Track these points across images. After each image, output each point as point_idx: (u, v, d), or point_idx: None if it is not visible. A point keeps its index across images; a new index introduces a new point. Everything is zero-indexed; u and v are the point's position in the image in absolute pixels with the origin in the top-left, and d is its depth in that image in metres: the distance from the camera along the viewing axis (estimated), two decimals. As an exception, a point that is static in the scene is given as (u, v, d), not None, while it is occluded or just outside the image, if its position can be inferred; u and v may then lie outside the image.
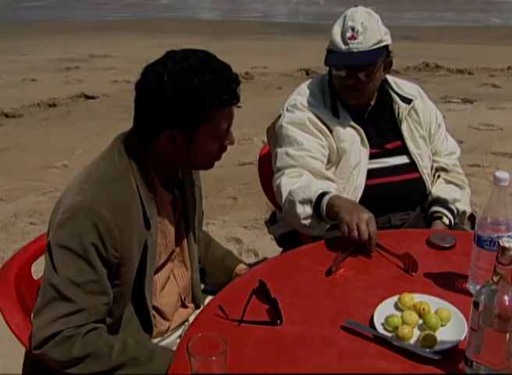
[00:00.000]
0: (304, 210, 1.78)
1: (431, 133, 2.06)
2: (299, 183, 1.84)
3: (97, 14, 13.48)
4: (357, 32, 1.83)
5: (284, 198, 1.85)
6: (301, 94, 2.00)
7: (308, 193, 1.77)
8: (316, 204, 1.74)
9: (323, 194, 1.74)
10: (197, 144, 1.38)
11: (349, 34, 1.83)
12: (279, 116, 2.01)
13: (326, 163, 1.96)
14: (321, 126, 1.94)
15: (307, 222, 1.79)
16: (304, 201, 1.78)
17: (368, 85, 1.90)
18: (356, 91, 1.90)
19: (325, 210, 1.71)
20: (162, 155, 1.40)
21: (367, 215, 1.61)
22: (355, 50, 1.83)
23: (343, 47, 1.84)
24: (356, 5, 1.93)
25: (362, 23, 1.83)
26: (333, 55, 1.88)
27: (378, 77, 1.92)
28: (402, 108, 2.00)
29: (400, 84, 2.06)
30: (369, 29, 1.83)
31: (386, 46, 1.89)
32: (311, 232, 1.86)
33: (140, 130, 1.41)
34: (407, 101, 2.01)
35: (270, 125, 2.09)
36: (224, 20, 12.24)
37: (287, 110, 1.98)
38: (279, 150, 1.95)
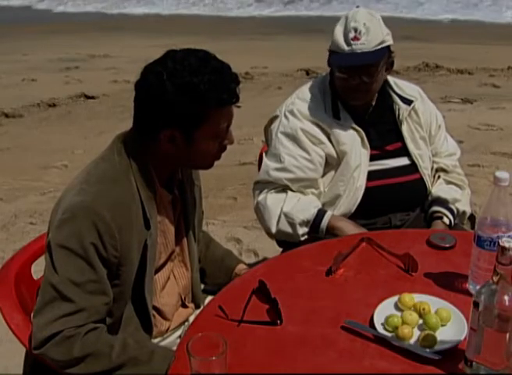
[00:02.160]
0: (303, 231, 1.92)
1: (431, 134, 2.06)
2: (288, 203, 1.93)
3: (98, 14, 13.48)
4: (359, 33, 1.82)
5: (276, 217, 1.93)
6: (300, 97, 1.99)
7: (308, 215, 1.90)
8: (314, 224, 1.90)
9: (320, 214, 1.90)
10: (197, 144, 1.38)
11: (351, 35, 1.83)
12: (276, 117, 2.01)
13: (325, 167, 1.97)
14: (315, 134, 1.94)
15: (303, 238, 1.93)
16: (302, 223, 1.91)
17: (371, 86, 1.89)
18: (359, 91, 1.90)
19: (325, 230, 1.89)
20: (162, 155, 1.40)
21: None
22: (358, 51, 1.82)
23: (346, 48, 1.84)
24: (357, 6, 1.93)
25: (365, 24, 1.82)
26: (336, 56, 1.88)
27: (381, 78, 1.92)
28: (402, 109, 1.99)
29: (401, 85, 2.05)
30: (372, 29, 1.83)
31: (388, 46, 1.89)
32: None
33: (140, 130, 1.41)
34: (408, 102, 2.01)
35: (266, 123, 2.09)
36: (224, 21, 12.19)
37: (284, 116, 1.98)
38: (264, 160, 2.00)
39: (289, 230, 1.93)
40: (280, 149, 1.95)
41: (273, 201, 1.95)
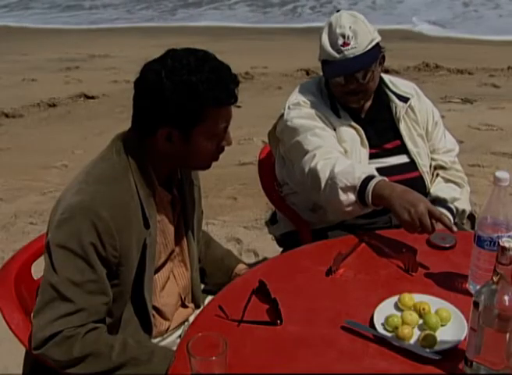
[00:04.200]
0: (348, 197, 1.70)
1: (428, 131, 2.06)
2: (339, 165, 1.74)
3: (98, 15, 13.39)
4: (348, 37, 1.81)
5: (324, 182, 1.75)
6: (302, 93, 1.99)
7: (352, 179, 1.68)
8: (360, 191, 1.66)
9: (366, 180, 1.66)
10: (194, 144, 1.38)
11: (340, 42, 1.82)
12: (281, 116, 2.00)
13: None
14: (327, 123, 1.93)
15: (350, 209, 1.72)
16: (346, 189, 1.69)
17: (369, 85, 1.90)
18: (358, 94, 1.90)
19: (371, 198, 1.64)
20: (160, 154, 1.40)
21: (423, 205, 1.55)
22: (351, 55, 1.82)
23: (338, 55, 1.83)
24: (338, 11, 1.92)
25: (350, 27, 1.82)
26: (330, 66, 1.87)
27: (377, 75, 1.92)
28: (399, 107, 1.99)
29: (396, 83, 2.05)
30: (359, 31, 1.82)
31: (377, 42, 1.88)
32: (349, 217, 1.85)
33: (139, 129, 1.41)
34: (404, 99, 2.00)
35: (271, 129, 2.08)
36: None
37: (289, 108, 1.97)
38: (298, 138, 1.88)
39: (332, 195, 1.71)
40: (306, 122, 1.89)
41: (323, 165, 1.77)
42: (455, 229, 1.56)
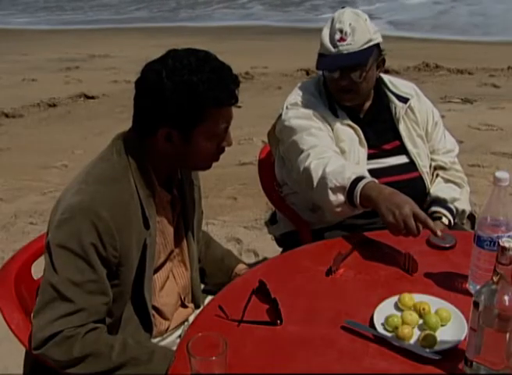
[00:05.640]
0: (337, 198, 1.70)
1: (428, 132, 2.06)
2: (331, 165, 1.74)
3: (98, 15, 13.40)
4: (345, 33, 1.82)
5: (316, 181, 1.76)
6: (300, 92, 2.00)
7: (341, 180, 1.68)
8: (349, 191, 1.66)
9: (356, 181, 1.66)
10: (194, 144, 1.38)
11: (337, 37, 1.83)
12: (280, 116, 2.00)
13: None
14: (324, 122, 1.93)
15: (339, 209, 1.72)
16: (336, 189, 1.69)
17: (362, 85, 1.89)
18: (350, 92, 1.90)
19: (359, 200, 1.64)
20: (160, 155, 1.40)
21: (408, 207, 1.54)
22: (345, 51, 1.83)
23: (333, 50, 1.84)
24: (343, 7, 1.93)
25: (350, 24, 1.83)
26: (324, 59, 1.88)
27: (372, 77, 1.92)
28: (399, 107, 1.99)
29: (396, 83, 2.05)
30: (358, 29, 1.83)
31: (377, 44, 1.89)
32: (341, 218, 1.86)
33: (139, 129, 1.41)
34: (404, 100, 2.00)
35: (270, 129, 2.08)
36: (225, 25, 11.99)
37: (287, 108, 1.97)
38: (294, 137, 1.89)
39: (323, 194, 1.72)
40: (304, 123, 1.90)
41: (316, 164, 1.78)
42: (439, 233, 1.55)
